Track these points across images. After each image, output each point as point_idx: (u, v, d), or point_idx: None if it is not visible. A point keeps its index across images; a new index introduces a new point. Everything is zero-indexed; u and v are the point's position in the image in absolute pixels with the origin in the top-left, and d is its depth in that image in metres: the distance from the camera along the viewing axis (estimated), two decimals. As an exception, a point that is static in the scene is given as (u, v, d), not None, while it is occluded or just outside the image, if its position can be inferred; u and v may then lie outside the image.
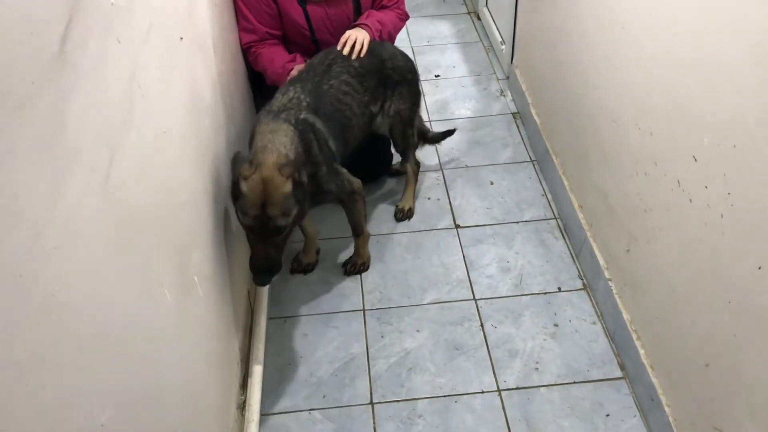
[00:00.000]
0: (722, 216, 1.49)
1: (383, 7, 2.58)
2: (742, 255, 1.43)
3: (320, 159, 2.05)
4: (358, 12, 2.51)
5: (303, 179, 1.87)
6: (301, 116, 2.04)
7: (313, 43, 2.49)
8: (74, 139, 0.98)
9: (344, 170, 2.21)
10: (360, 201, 2.30)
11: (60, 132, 0.94)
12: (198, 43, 1.85)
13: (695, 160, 1.59)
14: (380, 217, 2.72)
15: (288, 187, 1.81)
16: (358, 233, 2.41)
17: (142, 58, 1.34)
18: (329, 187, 2.12)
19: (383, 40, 2.49)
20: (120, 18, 1.23)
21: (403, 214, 2.71)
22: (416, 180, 2.74)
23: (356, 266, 2.46)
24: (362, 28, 2.42)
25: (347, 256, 2.50)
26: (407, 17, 2.67)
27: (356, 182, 2.27)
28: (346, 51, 2.31)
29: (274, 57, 2.43)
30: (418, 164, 2.73)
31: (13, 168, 0.81)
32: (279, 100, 2.10)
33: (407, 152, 2.66)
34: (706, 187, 1.56)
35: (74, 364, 0.93)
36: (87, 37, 1.06)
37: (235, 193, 1.83)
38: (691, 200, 1.63)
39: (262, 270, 1.85)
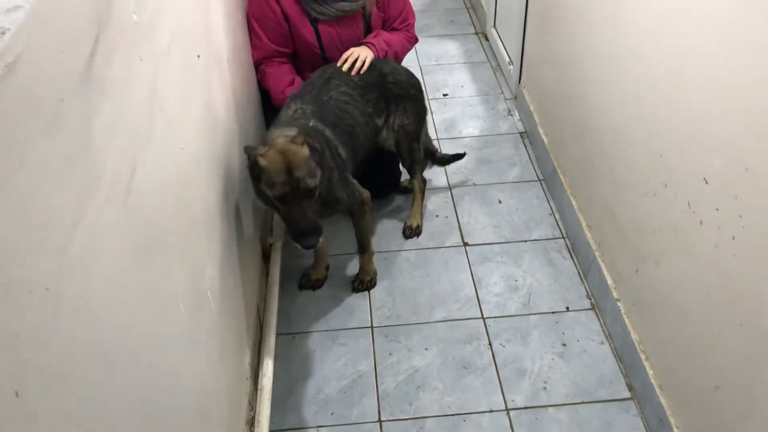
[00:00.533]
0: (734, 238, 1.50)
1: (393, 29, 2.61)
2: (755, 278, 1.44)
3: (333, 165, 2.07)
4: (368, 32, 2.54)
5: (317, 145, 1.90)
6: (311, 124, 2.09)
7: (323, 60, 2.52)
8: (99, 155, 1.00)
9: (355, 181, 2.24)
10: (368, 213, 2.33)
11: (86, 148, 0.96)
12: (214, 61, 1.88)
13: (706, 182, 1.60)
14: (388, 234, 2.73)
15: (305, 151, 1.85)
16: (364, 249, 2.42)
17: (162, 75, 1.37)
18: (341, 194, 2.14)
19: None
20: (142, 35, 1.25)
21: (411, 231, 2.73)
22: (423, 197, 2.76)
23: (364, 283, 2.46)
24: (367, 46, 2.45)
25: (356, 272, 2.51)
26: (416, 40, 2.71)
27: (366, 193, 2.30)
28: (345, 67, 2.35)
29: (278, 79, 2.47)
30: (424, 181, 2.76)
31: (43, 183, 0.82)
32: (284, 115, 2.15)
33: (414, 168, 2.69)
34: (717, 209, 1.57)
35: (96, 376, 0.94)
36: (112, 55, 1.08)
37: (255, 173, 1.86)
38: (701, 222, 1.64)
39: (307, 232, 1.86)
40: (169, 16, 1.45)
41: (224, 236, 1.80)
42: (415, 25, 2.72)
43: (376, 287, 2.49)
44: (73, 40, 0.93)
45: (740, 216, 1.47)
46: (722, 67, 1.50)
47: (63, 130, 0.88)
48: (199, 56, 1.70)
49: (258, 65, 2.50)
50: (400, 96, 2.48)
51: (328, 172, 2.02)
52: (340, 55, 2.45)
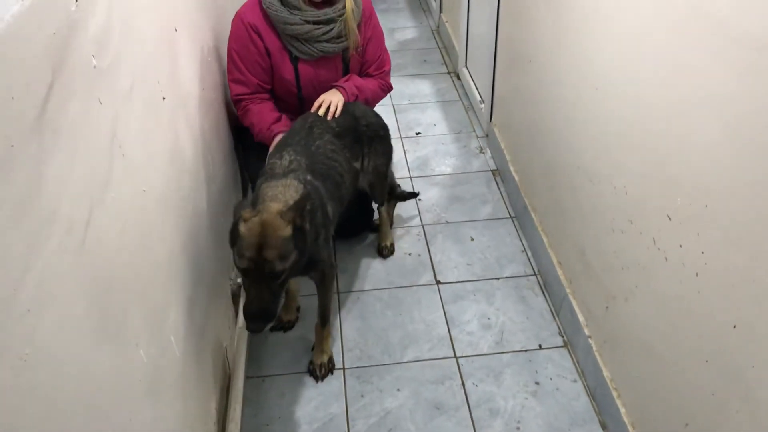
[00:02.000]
0: (697, 275, 1.51)
1: (368, 75, 2.62)
2: (718, 314, 1.45)
3: (322, 223, 2.04)
4: (346, 74, 2.55)
5: (306, 226, 1.83)
6: (308, 177, 2.05)
7: (299, 100, 2.53)
8: (51, 201, 0.98)
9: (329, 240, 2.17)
10: (334, 281, 2.27)
11: (37, 194, 0.94)
12: (181, 102, 1.88)
13: (669, 219, 1.62)
14: (361, 274, 2.72)
15: (288, 231, 1.75)
16: (325, 321, 2.27)
17: (124, 118, 1.36)
18: (323, 254, 2.09)
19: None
20: (102, 79, 1.25)
21: (387, 250, 2.78)
22: (391, 220, 2.83)
23: (324, 367, 2.28)
24: (338, 89, 2.46)
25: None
26: (390, 89, 2.71)
27: (333, 256, 2.25)
28: (321, 112, 2.35)
29: (263, 115, 2.46)
30: (392, 206, 2.84)
31: (-13, 231, 0.81)
32: (279, 164, 2.09)
33: (383, 202, 2.73)
34: (680, 245, 1.58)
35: (44, 429, 0.91)
36: (68, 99, 1.07)
37: (233, 236, 1.79)
38: (666, 258, 1.65)
39: (256, 316, 1.76)
40: (132, 59, 1.44)
41: (189, 278, 1.78)
42: (390, 65, 2.74)
43: (347, 327, 2.46)
44: (25, 87, 0.92)
45: (702, 252, 1.48)
46: (682, 109, 1.53)
47: (12, 177, 0.87)
48: (164, 98, 1.70)
49: (239, 101, 2.49)
50: (372, 138, 2.49)
51: (315, 233, 1.97)
52: (316, 95, 2.45)
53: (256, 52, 2.41)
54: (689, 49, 1.48)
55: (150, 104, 1.58)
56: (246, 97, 2.48)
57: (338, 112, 2.37)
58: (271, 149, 2.37)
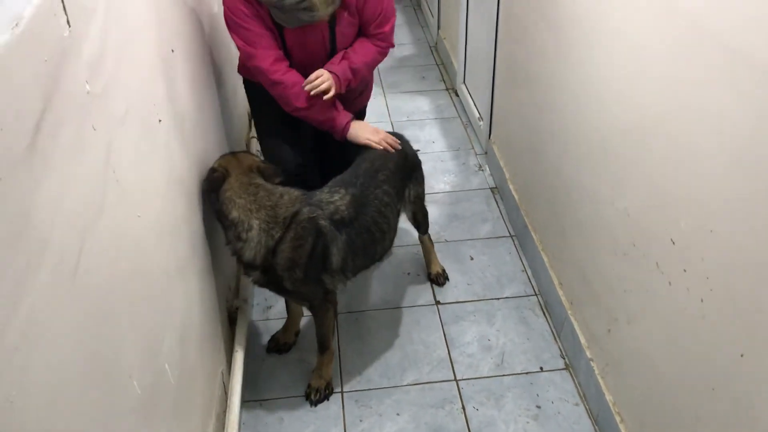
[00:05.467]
0: (702, 300, 1.49)
1: (367, 36, 2.39)
2: (724, 341, 1.42)
3: (302, 262, 2.00)
4: (334, 40, 2.34)
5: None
6: (320, 222, 2.02)
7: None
8: (42, 231, 0.96)
9: (329, 281, 2.12)
10: (331, 310, 2.20)
11: (26, 225, 0.92)
12: (177, 124, 1.85)
13: (673, 242, 1.59)
14: (359, 294, 2.69)
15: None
16: (324, 348, 2.23)
17: (118, 143, 1.33)
18: (303, 290, 2.08)
19: (351, 87, 2.37)
20: (96, 105, 1.22)
21: (441, 277, 2.72)
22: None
23: (321, 392, 2.23)
24: (331, 77, 2.25)
25: (325, 335, 2.44)
26: (390, 47, 2.47)
27: (334, 293, 2.19)
28: (308, 88, 2.18)
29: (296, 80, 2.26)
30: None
31: (-27, 268, 0.78)
32: (323, 194, 2.10)
33: (426, 229, 2.68)
34: (684, 270, 1.55)
35: (31, 472, 0.88)
36: (60, 127, 1.05)
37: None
38: (670, 283, 1.63)
39: None
40: (126, 83, 1.42)
41: (185, 303, 1.75)
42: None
43: (345, 348, 2.43)
44: (15, 117, 0.90)
45: (707, 278, 1.46)
46: (686, 129, 1.51)
47: (1, 210, 0.85)
48: (160, 120, 1.68)
49: (269, 78, 2.26)
50: (413, 169, 2.46)
51: (292, 261, 1.99)
52: (306, 61, 2.30)
53: (258, 31, 2.22)
54: (693, 69, 1.46)
55: (145, 127, 1.56)
56: (271, 71, 2.24)
57: (329, 95, 2.21)
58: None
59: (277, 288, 2.09)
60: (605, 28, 1.90)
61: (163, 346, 1.51)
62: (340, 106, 2.35)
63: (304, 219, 1.99)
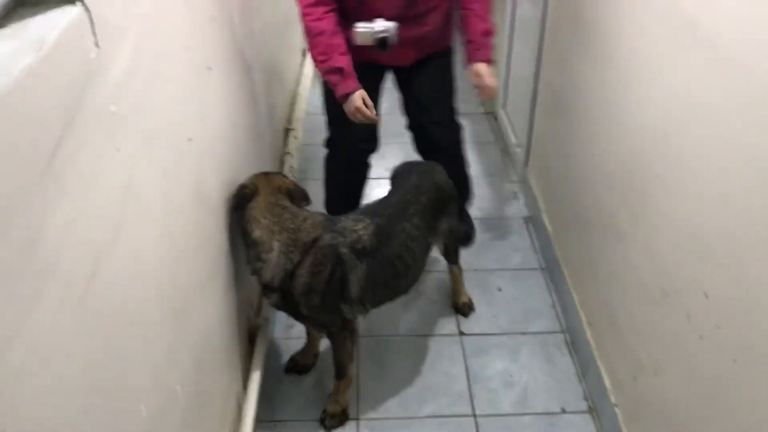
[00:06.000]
0: (734, 361, 1.42)
1: None
2: (758, 407, 1.35)
3: (319, 288, 1.98)
4: None
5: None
6: (341, 249, 1.99)
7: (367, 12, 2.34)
8: (50, 256, 0.95)
9: (347, 311, 2.08)
10: (349, 339, 2.15)
11: (34, 251, 0.91)
12: (209, 143, 1.85)
13: (706, 296, 1.53)
14: (383, 318, 2.65)
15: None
16: (341, 375, 2.19)
17: (143, 163, 1.33)
18: (321, 317, 2.07)
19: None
20: (120, 126, 1.22)
21: (468, 307, 2.68)
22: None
23: (336, 418, 2.20)
24: (486, 63, 2.44)
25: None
26: None
27: (352, 321, 2.14)
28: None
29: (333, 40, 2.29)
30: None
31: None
32: (347, 222, 2.07)
33: (457, 260, 2.64)
34: (718, 326, 1.49)
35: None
36: (79, 150, 1.04)
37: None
38: (701, 337, 1.56)
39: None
40: (156, 102, 1.42)
41: (204, 323, 1.74)
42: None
43: (364, 374, 2.39)
44: (30, 144, 0.89)
45: (741, 339, 1.39)
46: (727, 180, 1.45)
47: (6, 234, 0.84)
48: (190, 139, 1.68)
49: (302, 19, 2.30)
50: (448, 202, 2.42)
51: (308, 286, 1.98)
52: (383, 4, 2.31)
53: None
54: (742, 118, 1.39)
55: (174, 147, 1.55)
56: (312, 8, 2.26)
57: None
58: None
59: (294, 313, 2.07)
60: (649, 65, 1.84)
61: (176, 368, 1.50)
62: (351, 75, 2.33)
63: (325, 245, 1.97)
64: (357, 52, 2.35)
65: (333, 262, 1.98)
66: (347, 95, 2.34)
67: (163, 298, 1.44)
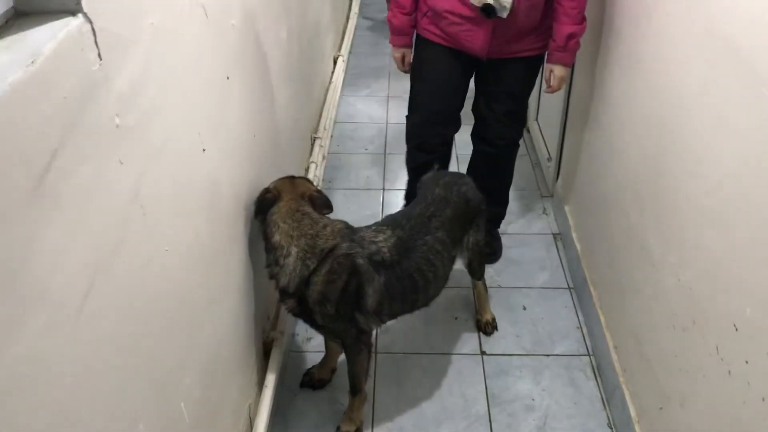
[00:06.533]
0: (764, 400, 1.33)
1: None
2: (785, 451, 1.26)
3: (333, 298, 1.94)
4: None
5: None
6: (358, 260, 1.96)
7: None
8: (42, 276, 0.92)
9: (362, 321, 2.04)
10: (365, 352, 2.10)
11: (23, 272, 0.87)
12: (226, 153, 1.82)
13: (736, 329, 1.44)
14: (402, 334, 2.60)
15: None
16: (356, 391, 2.16)
17: (151, 176, 1.30)
18: (336, 326, 2.03)
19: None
20: (126, 139, 1.19)
21: (490, 326, 2.61)
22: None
23: None
24: (563, 63, 2.44)
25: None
26: None
27: (368, 334, 2.10)
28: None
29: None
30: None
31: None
32: (367, 232, 2.05)
33: (481, 276, 2.58)
34: (747, 362, 1.40)
35: None
36: (77, 165, 1.01)
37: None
38: (730, 372, 1.47)
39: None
40: (168, 114, 1.39)
41: (214, 337, 1.71)
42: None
43: (381, 392, 2.34)
44: (20, 160, 0.86)
45: (772, 377, 1.30)
46: (762, 209, 1.36)
47: (-8, 256, 0.81)
48: (204, 150, 1.65)
49: None
50: (475, 215, 2.36)
51: (324, 300, 1.95)
52: None
53: None
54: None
55: (186, 158, 1.52)
56: None
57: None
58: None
59: (310, 321, 2.04)
60: (683, 85, 1.77)
61: (180, 385, 1.47)
62: (400, 32, 2.60)
63: (341, 254, 1.93)
64: (441, 35, 2.50)
65: (349, 272, 1.94)
66: (394, 47, 2.64)
67: (169, 314, 1.41)
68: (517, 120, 2.73)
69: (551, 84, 2.50)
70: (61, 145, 0.96)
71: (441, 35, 2.49)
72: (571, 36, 2.38)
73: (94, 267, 1.08)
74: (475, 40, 2.42)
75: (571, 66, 2.50)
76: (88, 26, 1.03)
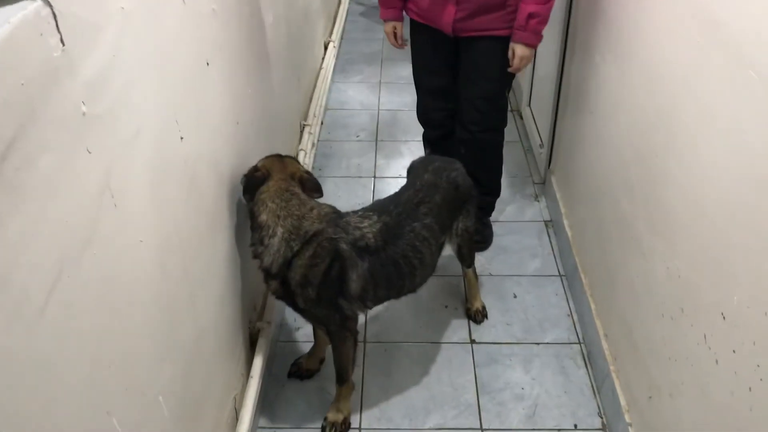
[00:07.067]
0: (750, 389, 1.31)
1: None
2: (771, 442, 1.24)
3: (315, 281, 1.92)
4: None
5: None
6: (341, 245, 1.94)
7: None
8: (1, 269, 0.89)
9: (346, 307, 2.01)
10: (350, 340, 2.07)
11: (-22, 265, 0.85)
12: (206, 141, 1.79)
13: (723, 318, 1.42)
14: (391, 323, 2.57)
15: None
16: (342, 380, 2.13)
17: (122, 165, 1.26)
18: (317, 312, 2.00)
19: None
20: (94, 127, 1.15)
21: (481, 314, 2.58)
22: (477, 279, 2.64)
23: (337, 427, 2.14)
24: (523, 43, 2.41)
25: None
26: None
27: (353, 320, 2.07)
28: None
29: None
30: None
31: None
32: (353, 218, 2.02)
33: (471, 263, 2.55)
34: (734, 351, 1.38)
35: None
36: (39, 154, 0.98)
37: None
38: (717, 362, 1.45)
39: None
40: (140, 102, 1.35)
41: (195, 330, 1.68)
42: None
43: (369, 381, 2.32)
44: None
45: (758, 366, 1.28)
46: (750, 197, 1.33)
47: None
48: (182, 138, 1.61)
49: None
50: (465, 201, 2.33)
51: (305, 278, 1.92)
52: None
53: None
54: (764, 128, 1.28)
55: (162, 146, 1.49)
56: None
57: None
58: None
59: (293, 304, 2.01)
60: (674, 71, 1.73)
61: (159, 379, 1.44)
62: (389, 5, 2.64)
63: (325, 239, 1.91)
64: (417, 12, 2.58)
65: (331, 256, 1.92)
66: (384, 20, 2.69)
67: (146, 306, 1.38)
68: (494, 106, 2.68)
69: (512, 63, 2.48)
70: (19, 133, 0.92)
71: (417, 12, 2.58)
72: (532, 15, 2.34)
73: (61, 259, 1.04)
74: (441, 13, 2.45)
75: (535, 47, 2.44)
76: (48, 10, 0.99)
